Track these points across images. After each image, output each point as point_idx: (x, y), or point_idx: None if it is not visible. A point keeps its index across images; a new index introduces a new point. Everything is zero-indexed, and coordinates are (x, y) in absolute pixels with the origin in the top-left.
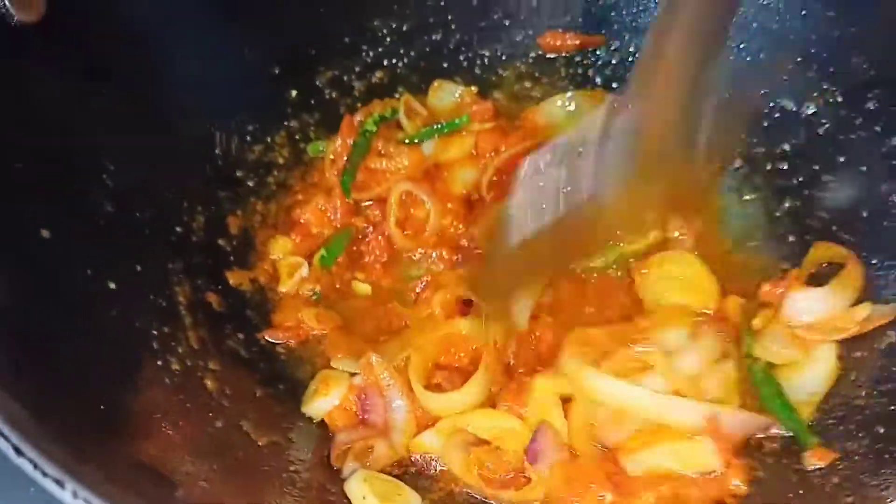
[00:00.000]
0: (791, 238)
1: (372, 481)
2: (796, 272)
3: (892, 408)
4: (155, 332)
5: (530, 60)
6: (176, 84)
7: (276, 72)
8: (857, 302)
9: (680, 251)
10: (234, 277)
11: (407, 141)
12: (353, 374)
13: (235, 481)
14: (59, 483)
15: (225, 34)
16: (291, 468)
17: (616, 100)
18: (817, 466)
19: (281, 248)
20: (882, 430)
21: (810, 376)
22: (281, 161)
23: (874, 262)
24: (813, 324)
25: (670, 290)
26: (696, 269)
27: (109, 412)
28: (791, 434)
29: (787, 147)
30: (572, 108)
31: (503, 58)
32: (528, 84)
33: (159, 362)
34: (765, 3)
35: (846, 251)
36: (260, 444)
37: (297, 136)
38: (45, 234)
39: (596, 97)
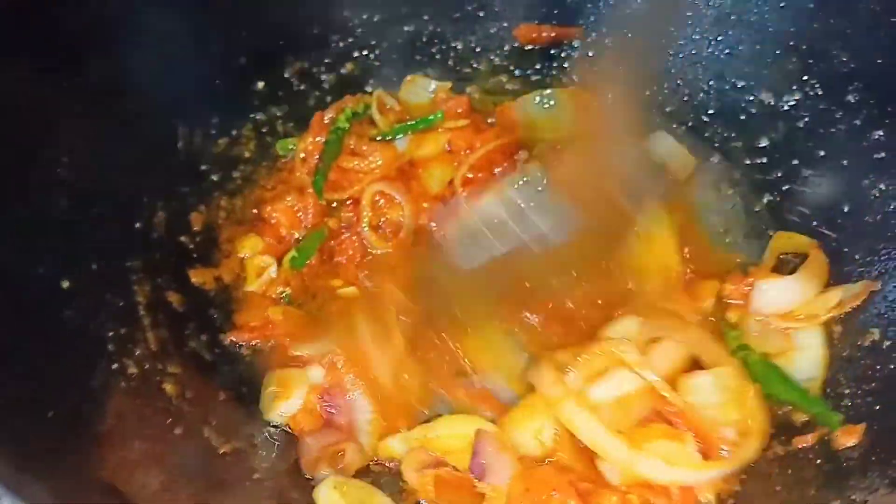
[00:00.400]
0: (771, 233)
1: (342, 487)
2: (761, 265)
3: (878, 407)
4: (111, 334)
5: (505, 53)
6: (137, 74)
7: (243, 62)
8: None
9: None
10: (196, 276)
11: (379, 138)
12: (310, 366)
13: (195, 492)
14: None
15: (188, 22)
16: (255, 476)
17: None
18: (848, 446)
19: (251, 247)
20: (868, 431)
21: (803, 363)
22: (247, 155)
23: (856, 257)
24: (786, 312)
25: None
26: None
27: (58, 419)
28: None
29: (766, 141)
30: (552, 104)
31: (477, 50)
32: (503, 77)
33: (115, 366)
34: None
35: (807, 239)
36: (222, 451)
37: (263, 130)
38: None
39: (577, 95)
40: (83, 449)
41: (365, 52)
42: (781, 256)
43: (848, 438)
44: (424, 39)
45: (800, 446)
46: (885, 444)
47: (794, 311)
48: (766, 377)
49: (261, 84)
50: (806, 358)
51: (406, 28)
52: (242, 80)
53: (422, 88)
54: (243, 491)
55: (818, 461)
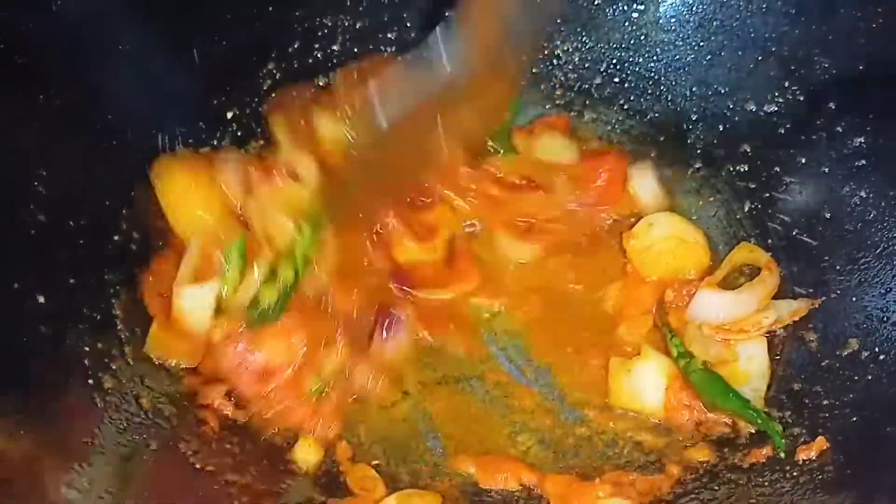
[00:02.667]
0: (753, 241)
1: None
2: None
3: (855, 419)
4: (87, 349)
5: None
6: (115, 87)
7: (222, 71)
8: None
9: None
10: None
11: None
12: None
13: None
14: None
15: (166, 34)
16: (232, 491)
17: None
18: (808, 458)
19: None
20: (844, 442)
21: (747, 374)
22: None
23: (837, 266)
24: (718, 325)
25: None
26: (683, 225)
27: (33, 436)
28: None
29: (747, 148)
30: None
31: None
32: None
33: (90, 381)
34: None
35: (766, 257)
36: (198, 467)
37: (244, 139)
38: None
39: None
40: (56, 465)
41: (346, 60)
42: (744, 267)
43: (810, 451)
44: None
45: (767, 457)
46: (860, 457)
47: (727, 324)
48: (707, 386)
49: (240, 93)
50: (749, 369)
51: (389, 35)
52: (222, 87)
53: None
54: None
55: (794, 473)
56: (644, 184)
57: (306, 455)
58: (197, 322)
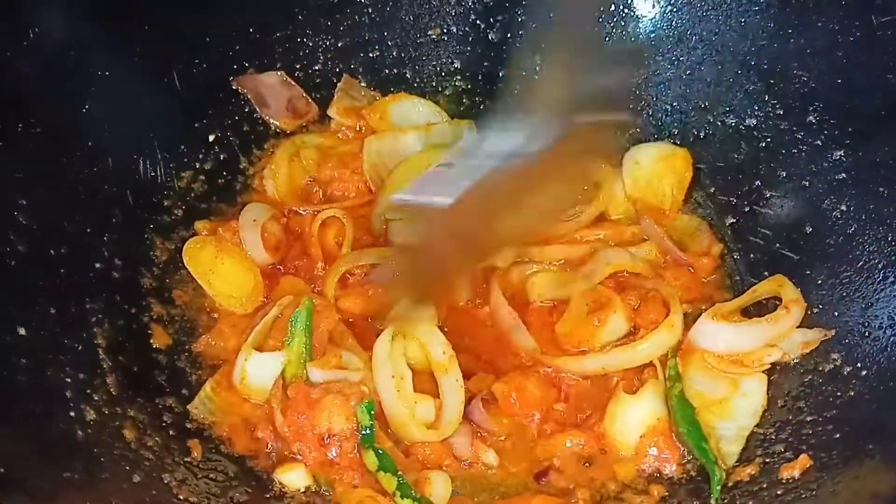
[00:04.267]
0: (735, 255)
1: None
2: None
3: (837, 435)
4: (69, 380)
5: (475, 77)
6: (95, 113)
7: (202, 94)
8: None
9: None
10: (158, 340)
11: None
12: None
13: None
14: None
15: (146, 59)
16: None
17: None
18: (791, 476)
19: None
20: (827, 459)
21: (740, 410)
22: (211, 188)
23: (818, 280)
24: (718, 355)
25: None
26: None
27: (11, 473)
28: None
29: (728, 162)
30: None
31: (443, 74)
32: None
33: (72, 413)
34: (703, 14)
35: (794, 295)
36: (182, 497)
37: (226, 161)
38: None
39: None
40: (37, 499)
41: (330, 78)
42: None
43: (793, 469)
44: (388, 63)
45: (751, 475)
46: (843, 473)
47: (729, 355)
48: (678, 414)
49: (222, 115)
50: (741, 405)
51: (371, 54)
52: (204, 110)
53: (410, 111)
54: None
55: (778, 493)
56: None
57: (295, 480)
58: (259, 389)
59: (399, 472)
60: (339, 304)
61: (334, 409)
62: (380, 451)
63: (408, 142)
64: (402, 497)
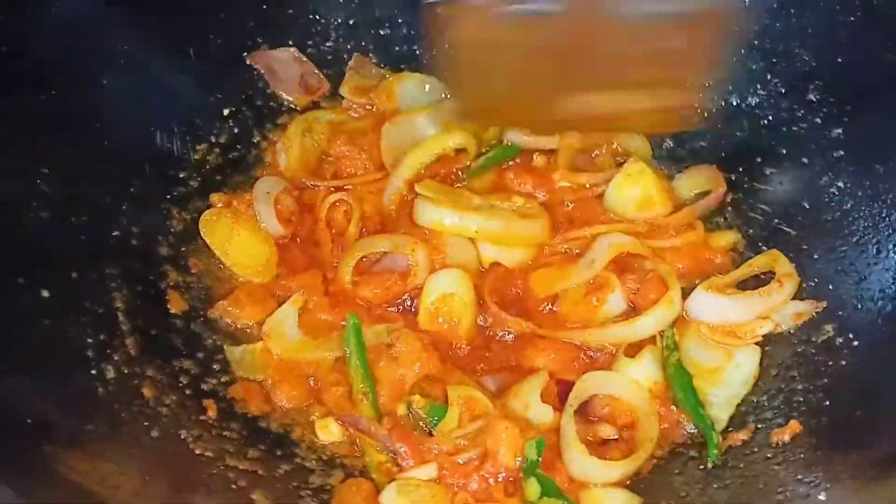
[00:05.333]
0: (735, 230)
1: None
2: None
3: (827, 403)
4: (90, 340)
5: None
6: (113, 86)
7: (217, 69)
8: None
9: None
10: (175, 305)
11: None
12: None
13: (170, 495)
14: None
15: (162, 33)
16: (231, 475)
17: None
18: (786, 441)
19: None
20: (816, 425)
21: (731, 378)
22: (226, 160)
23: (815, 255)
24: (715, 325)
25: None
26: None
27: (35, 425)
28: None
29: (730, 139)
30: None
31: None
32: None
33: (93, 371)
34: None
35: (787, 269)
36: (198, 453)
37: (240, 135)
38: None
39: None
40: (58, 454)
41: (342, 54)
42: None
43: (783, 434)
44: (398, 40)
45: (743, 441)
46: (829, 440)
47: (720, 327)
48: (675, 381)
49: (236, 90)
50: (733, 375)
51: (382, 31)
52: (217, 85)
53: (417, 89)
54: (219, 493)
55: (768, 456)
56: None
57: (329, 433)
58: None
59: (566, 496)
60: (357, 291)
61: (503, 439)
62: (544, 478)
63: (419, 123)
64: None
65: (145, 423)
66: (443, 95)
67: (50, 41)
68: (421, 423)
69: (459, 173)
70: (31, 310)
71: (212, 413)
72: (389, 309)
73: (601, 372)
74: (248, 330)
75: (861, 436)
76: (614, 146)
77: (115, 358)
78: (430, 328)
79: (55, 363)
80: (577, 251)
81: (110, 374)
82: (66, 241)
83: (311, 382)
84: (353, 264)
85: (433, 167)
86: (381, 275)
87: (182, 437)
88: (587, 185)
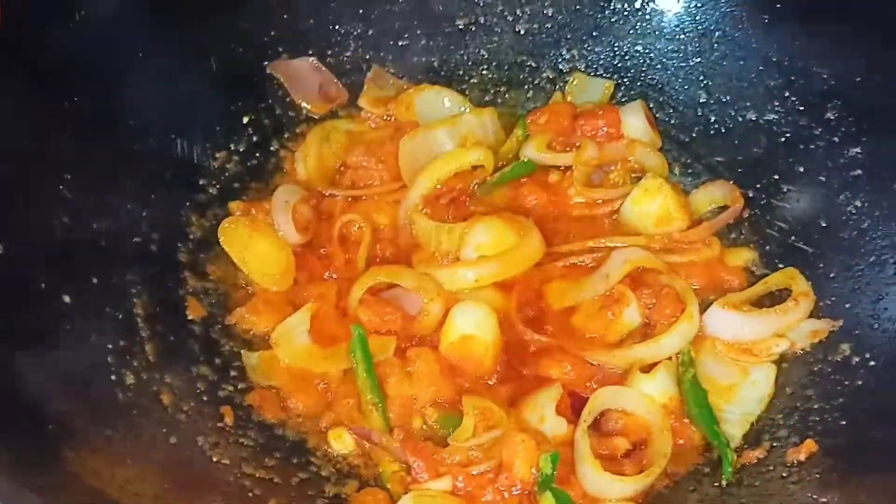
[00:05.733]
0: (751, 247)
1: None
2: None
3: (843, 422)
4: (110, 346)
5: (502, 67)
6: (136, 93)
7: (238, 77)
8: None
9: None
10: (193, 312)
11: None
12: None
13: (189, 500)
14: None
15: (185, 42)
16: (247, 483)
17: None
18: (797, 460)
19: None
20: (832, 445)
21: (746, 396)
22: (245, 168)
23: (831, 274)
24: (731, 343)
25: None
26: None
27: (56, 432)
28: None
29: (747, 156)
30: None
31: (470, 64)
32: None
33: (113, 377)
34: (728, 10)
35: (804, 287)
36: (216, 459)
37: (259, 143)
38: None
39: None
40: (79, 460)
41: (361, 64)
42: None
43: (799, 453)
44: (417, 52)
45: (758, 458)
46: (848, 459)
47: (738, 344)
48: (690, 397)
49: (256, 99)
50: (748, 393)
51: (400, 42)
52: (238, 94)
53: (435, 102)
54: (236, 501)
55: (783, 475)
56: (633, 122)
57: (342, 443)
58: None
59: None
60: (358, 309)
61: (519, 452)
62: (560, 492)
63: (438, 137)
64: None
65: (164, 430)
66: (461, 108)
67: (72, 49)
68: (435, 432)
69: (475, 188)
70: (52, 315)
71: (229, 420)
72: None
73: (615, 387)
74: (265, 337)
75: (878, 457)
76: (630, 163)
77: (135, 364)
78: (450, 356)
79: (76, 369)
80: (592, 264)
81: (130, 379)
82: (87, 247)
83: (325, 391)
84: (367, 288)
85: (449, 182)
86: (386, 303)
87: (199, 444)
88: (601, 202)
